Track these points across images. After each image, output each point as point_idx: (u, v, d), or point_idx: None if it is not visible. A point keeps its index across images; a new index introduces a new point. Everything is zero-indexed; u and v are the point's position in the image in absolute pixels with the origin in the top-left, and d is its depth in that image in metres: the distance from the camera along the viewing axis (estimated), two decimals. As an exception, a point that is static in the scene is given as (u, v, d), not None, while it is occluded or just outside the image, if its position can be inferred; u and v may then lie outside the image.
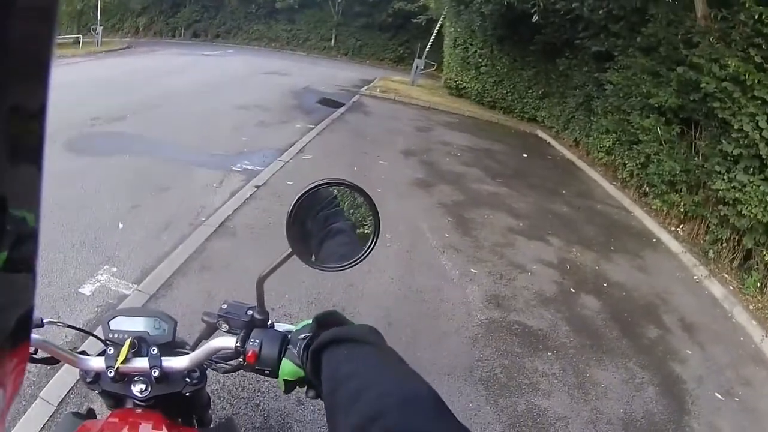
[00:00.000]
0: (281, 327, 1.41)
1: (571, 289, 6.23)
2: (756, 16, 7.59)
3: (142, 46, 26.73)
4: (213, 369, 1.49)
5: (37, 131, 0.39)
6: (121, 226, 5.92)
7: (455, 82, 19.57)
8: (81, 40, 24.81)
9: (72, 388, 3.47)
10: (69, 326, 1.62)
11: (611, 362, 5.00)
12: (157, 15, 36.53)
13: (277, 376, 1.29)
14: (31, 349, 1.38)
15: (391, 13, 33.09)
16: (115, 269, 5.07)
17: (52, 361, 1.47)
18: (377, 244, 1.27)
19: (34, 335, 1.38)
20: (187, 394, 1.57)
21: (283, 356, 1.28)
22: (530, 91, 17.01)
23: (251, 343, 1.32)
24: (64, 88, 11.94)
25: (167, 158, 8.44)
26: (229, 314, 1.41)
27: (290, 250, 1.25)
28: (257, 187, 7.65)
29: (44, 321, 1.47)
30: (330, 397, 0.97)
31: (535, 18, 13.13)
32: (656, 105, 9.83)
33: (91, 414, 1.78)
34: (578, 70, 14.11)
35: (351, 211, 1.33)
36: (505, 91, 17.75)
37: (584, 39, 13.48)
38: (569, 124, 14.36)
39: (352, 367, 0.99)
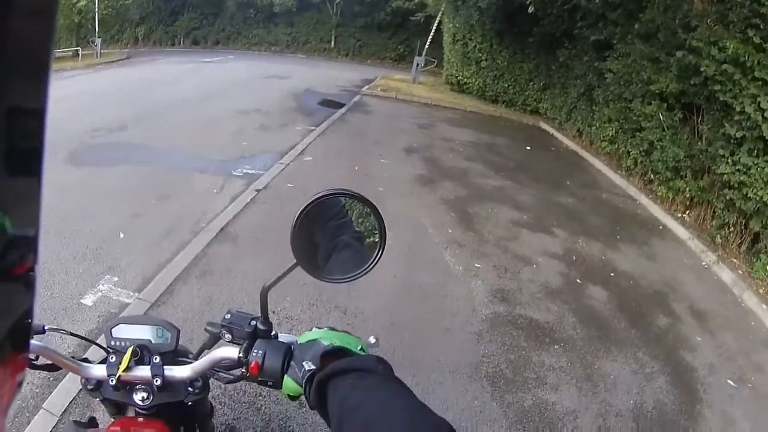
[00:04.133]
0: (285, 338, 1.39)
1: (578, 280, 6.16)
2: (753, -4, 7.51)
3: (142, 56, 26.80)
4: (215, 379, 1.48)
5: (35, 138, 0.40)
6: (122, 235, 5.91)
7: (456, 77, 19.55)
8: (80, 53, 24.83)
9: (74, 398, 3.45)
10: (71, 334, 1.60)
11: (620, 353, 4.93)
12: (155, 24, 36.59)
13: (280, 388, 1.28)
14: (32, 356, 1.39)
15: (389, 12, 33.17)
16: (116, 278, 5.06)
17: (54, 368, 1.45)
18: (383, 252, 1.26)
19: (36, 342, 1.37)
20: (190, 403, 1.56)
21: (287, 369, 1.26)
22: (531, 83, 17.01)
23: (254, 354, 1.31)
24: (64, 101, 11.99)
25: (168, 166, 8.44)
26: (233, 324, 1.39)
27: (295, 260, 1.24)
28: (257, 191, 7.63)
29: (45, 328, 1.45)
30: (338, 427, 0.97)
31: (531, 9, 13.06)
32: (657, 91, 9.80)
33: (92, 423, 1.76)
34: (578, 60, 14.08)
35: (358, 220, 1.31)
36: (506, 85, 17.74)
37: (583, 29, 13.47)
38: (572, 114, 14.31)
39: (360, 397, 0.97)
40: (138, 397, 1.47)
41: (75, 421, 1.70)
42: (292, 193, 7.74)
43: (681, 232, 8.33)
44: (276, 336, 1.40)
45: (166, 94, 15.09)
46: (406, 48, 33.64)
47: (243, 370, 1.34)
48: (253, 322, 1.38)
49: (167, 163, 8.60)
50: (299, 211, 1.17)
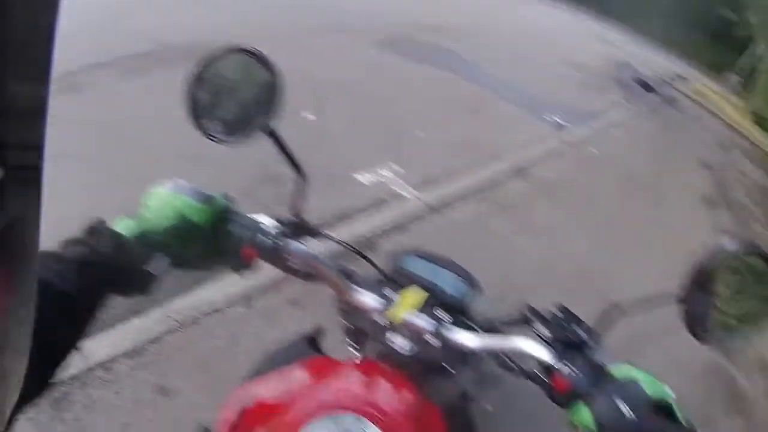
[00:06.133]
0: (600, 356, 1.11)
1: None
2: None
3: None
4: (499, 364, 1.22)
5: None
6: (422, 135, 5.91)
7: (760, 112, 17.64)
8: None
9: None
10: (350, 247, 1.42)
11: None
12: None
13: (564, 408, 1.07)
14: (296, 261, 1.24)
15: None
16: (399, 168, 5.04)
17: (313, 278, 1.29)
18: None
19: (303, 246, 1.24)
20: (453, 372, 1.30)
21: (596, 393, 1.01)
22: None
23: (567, 369, 1.05)
24: None
25: (482, 87, 8.42)
26: (557, 321, 1.16)
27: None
28: (563, 142, 7.61)
29: (322, 232, 1.36)
30: None
31: None
32: None
33: (320, 339, 1.60)
34: None
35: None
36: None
37: None
38: None
39: None
40: (400, 342, 1.23)
41: (306, 336, 1.58)
42: (592, 160, 7.59)
43: None
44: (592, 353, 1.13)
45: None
46: (722, 57, 30.50)
47: (543, 376, 1.10)
48: (578, 330, 1.13)
49: (483, 83, 8.56)
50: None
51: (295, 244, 1.23)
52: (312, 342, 1.59)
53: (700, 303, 1.03)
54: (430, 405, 1.29)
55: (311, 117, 5.18)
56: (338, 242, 1.41)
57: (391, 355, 1.26)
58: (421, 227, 4.41)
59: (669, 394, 1.02)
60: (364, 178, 4.72)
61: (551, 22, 19.41)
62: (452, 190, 5.05)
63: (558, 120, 8.46)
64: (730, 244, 1.00)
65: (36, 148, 0.40)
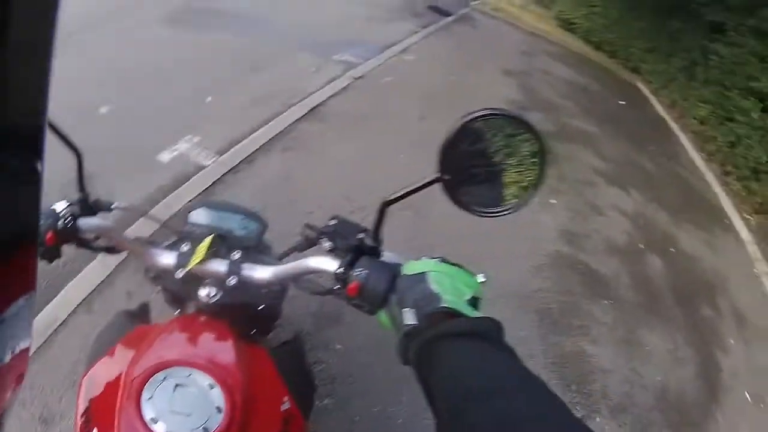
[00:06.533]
0: (391, 258, 1.24)
1: (640, 245, 6.17)
2: None
3: None
4: (298, 287, 1.38)
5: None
6: (209, 99, 5.94)
7: (566, 14, 18.83)
8: None
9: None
10: (141, 214, 1.60)
11: (661, 328, 4.98)
12: None
13: (373, 314, 1.18)
14: (92, 236, 1.31)
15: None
16: (197, 139, 5.14)
17: (114, 250, 1.39)
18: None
19: (98, 220, 1.31)
20: (260, 307, 1.48)
21: (390, 294, 1.13)
22: (638, 41, 16.41)
23: (357, 273, 1.16)
24: None
25: (267, 39, 8.36)
26: (336, 233, 1.27)
27: (437, 175, 1.08)
28: (354, 78, 7.61)
29: (113, 206, 1.39)
30: (442, 393, 0.90)
31: None
32: (757, 90, 9.64)
33: (144, 312, 1.72)
34: (687, 34, 13.68)
35: (512, 149, 1.13)
36: (613, 36, 17.06)
37: (700, 5, 13.00)
38: (670, 83, 13.92)
39: (473, 366, 0.91)
40: (204, 292, 1.36)
41: (126, 311, 1.66)
42: (387, 87, 7.74)
43: (744, 233, 8.18)
44: (380, 255, 1.25)
45: None
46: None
47: (338, 286, 1.20)
48: (361, 235, 1.24)
49: (266, 37, 8.49)
50: (461, 123, 1.04)
51: (88, 221, 1.28)
52: (136, 315, 1.67)
53: (458, 176, 1.10)
54: (254, 345, 1.45)
55: (103, 110, 5.13)
56: (131, 211, 1.52)
57: (205, 306, 1.39)
58: (226, 189, 4.54)
59: (475, 281, 1.16)
60: (166, 156, 4.80)
61: None
62: (248, 145, 5.23)
63: (350, 57, 8.53)
64: (467, 115, 1.05)
65: (36, 148, 0.40)
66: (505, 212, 1.17)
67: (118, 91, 5.46)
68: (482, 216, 1.17)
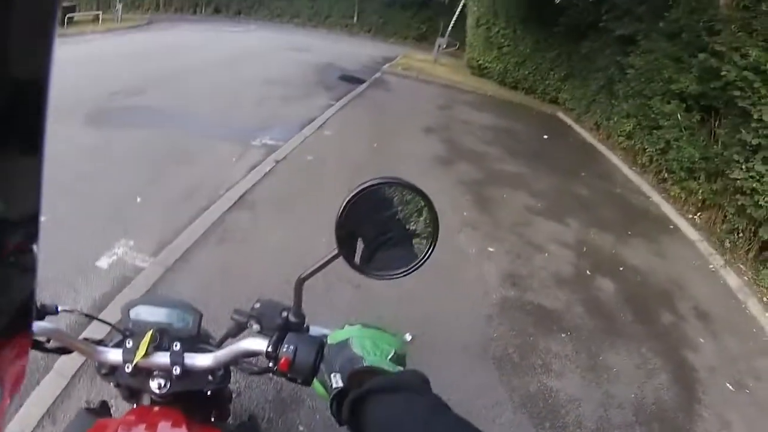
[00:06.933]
0: (316, 331, 1.33)
1: (587, 272, 6.22)
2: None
3: (163, 22, 26.47)
4: (239, 369, 1.43)
5: (37, 112, 0.38)
6: (139, 199, 5.97)
7: (477, 61, 19.31)
8: (101, 17, 24.53)
9: (85, 362, 3.48)
10: (86, 315, 1.60)
11: (624, 346, 5.01)
12: (178, -10, 36.44)
13: (309, 385, 1.22)
14: (43, 338, 1.33)
15: (413, -10, 32.82)
16: (132, 242, 5.14)
17: (66, 351, 1.40)
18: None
19: (46, 324, 1.32)
20: (209, 392, 1.52)
21: (317, 369, 1.21)
22: (552, 72, 16.85)
23: (285, 349, 1.23)
24: (82, 65, 11.96)
25: (187, 132, 8.51)
26: (262, 314, 1.34)
27: (336, 251, 1.18)
28: (277, 161, 7.72)
29: (59, 309, 1.39)
30: None
31: (557, 0, 12.98)
32: (677, 91, 9.82)
33: (104, 408, 1.73)
34: (601, 53, 14.00)
35: (406, 211, 1.21)
36: (527, 72, 17.58)
37: (608, 21, 13.37)
38: (591, 106, 14.20)
39: (400, 418, 0.94)
40: (155, 384, 1.38)
41: (86, 408, 1.67)
42: (311, 166, 7.82)
43: (691, 233, 8.36)
44: (307, 329, 1.34)
45: (187, 61, 15.09)
46: (429, 27, 33.04)
47: (271, 364, 1.26)
48: (285, 313, 1.32)
49: (185, 129, 8.66)
50: (346, 199, 1.12)
51: (38, 324, 1.29)
52: (97, 411, 1.67)
53: (371, 245, 1.20)
54: (210, 430, 1.50)
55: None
56: (78, 312, 1.48)
57: (157, 397, 1.42)
58: (166, 288, 4.51)
59: (396, 340, 1.22)
60: (105, 261, 4.77)
61: (242, 45, 20.50)
62: (183, 242, 5.24)
63: (269, 141, 8.70)
64: (358, 186, 1.11)
65: (37, 123, 0.39)
66: (409, 271, 1.24)
67: (48, 199, 5.31)
68: (390, 278, 1.24)
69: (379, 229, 1.22)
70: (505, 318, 4.98)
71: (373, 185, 1.13)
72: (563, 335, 4.91)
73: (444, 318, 4.76)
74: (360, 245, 1.22)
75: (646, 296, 6.06)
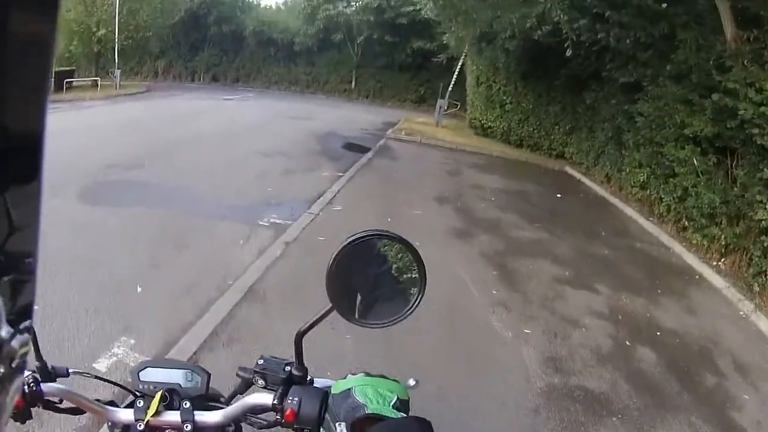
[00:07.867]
0: (320, 383, 1.43)
1: (627, 342, 6.16)
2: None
3: (162, 90, 26.88)
4: (248, 424, 1.49)
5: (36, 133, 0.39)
6: (139, 289, 5.72)
7: (480, 121, 19.59)
8: (99, 83, 25.09)
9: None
10: (96, 377, 1.64)
11: (675, 419, 4.94)
12: (175, 58, 37.52)
13: None
14: (56, 399, 1.42)
15: (410, 53, 33.67)
16: (133, 341, 4.81)
17: (78, 412, 1.47)
18: (422, 300, 1.32)
19: (59, 385, 1.41)
20: None
21: (323, 418, 1.28)
22: (557, 126, 17.04)
23: (290, 401, 1.31)
24: (80, 134, 12.26)
25: (188, 211, 8.37)
26: (266, 370, 1.41)
27: (330, 305, 1.27)
28: (287, 243, 7.53)
29: (69, 371, 1.48)
30: None
31: (568, 52, 12.95)
32: (691, 135, 9.76)
33: None
34: (606, 103, 14.02)
35: (396, 262, 1.33)
36: (531, 129, 17.77)
37: (611, 70, 13.42)
38: (599, 159, 14.26)
39: None
40: None
41: None
42: (324, 247, 7.39)
43: (716, 280, 8.37)
44: (311, 381, 1.42)
45: (187, 132, 15.25)
46: (427, 90, 33.91)
47: (278, 416, 1.33)
48: (288, 368, 1.39)
49: (186, 207, 8.53)
50: (335, 253, 1.21)
51: (50, 385, 1.38)
52: None
53: (367, 298, 1.32)
54: None
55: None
56: (89, 375, 1.58)
57: None
58: None
59: (398, 386, 1.33)
60: (103, 363, 4.49)
61: (241, 114, 21.02)
62: (190, 342, 4.86)
63: (276, 219, 8.46)
64: (345, 241, 1.22)
65: (35, 153, 0.39)
66: (398, 320, 1.33)
67: (43, 288, 5.20)
68: (380, 327, 1.33)
69: (373, 281, 1.34)
70: (553, 408, 4.82)
71: (357, 239, 1.24)
72: (614, 419, 4.82)
73: (485, 418, 4.57)
74: (354, 297, 1.33)
75: (687, 359, 6.01)
